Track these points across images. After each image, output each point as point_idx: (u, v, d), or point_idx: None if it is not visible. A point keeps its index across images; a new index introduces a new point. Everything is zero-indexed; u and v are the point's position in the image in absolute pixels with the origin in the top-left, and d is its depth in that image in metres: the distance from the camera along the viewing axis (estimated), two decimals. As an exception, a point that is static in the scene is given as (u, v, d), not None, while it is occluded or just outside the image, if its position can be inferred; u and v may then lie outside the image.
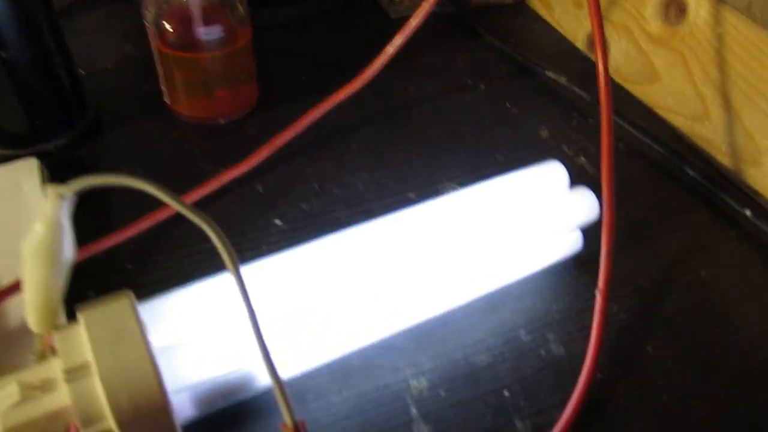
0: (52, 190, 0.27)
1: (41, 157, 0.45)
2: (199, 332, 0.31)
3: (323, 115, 0.49)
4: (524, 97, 0.55)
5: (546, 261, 0.41)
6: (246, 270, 0.33)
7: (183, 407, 0.31)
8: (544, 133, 0.52)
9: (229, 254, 0.26)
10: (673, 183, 0.48)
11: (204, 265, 0.40)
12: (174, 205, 0.26)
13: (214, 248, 0.41)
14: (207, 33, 0.46)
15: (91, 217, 0.41)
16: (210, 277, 0.33)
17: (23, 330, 0.31)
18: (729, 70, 0.46)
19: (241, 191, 0.46)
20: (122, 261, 0.41)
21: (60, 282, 0.29)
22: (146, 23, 0.47)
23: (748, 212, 0.45)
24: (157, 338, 0.31)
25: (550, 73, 0.55)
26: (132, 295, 0.31)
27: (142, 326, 0.29)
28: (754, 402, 0.36)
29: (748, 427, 0.35)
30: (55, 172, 0.45)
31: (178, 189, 0.44)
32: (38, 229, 0.28)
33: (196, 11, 0.46)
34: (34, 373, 0.28)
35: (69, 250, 0.28)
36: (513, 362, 0.37)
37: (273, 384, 0.25)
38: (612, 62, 0.57)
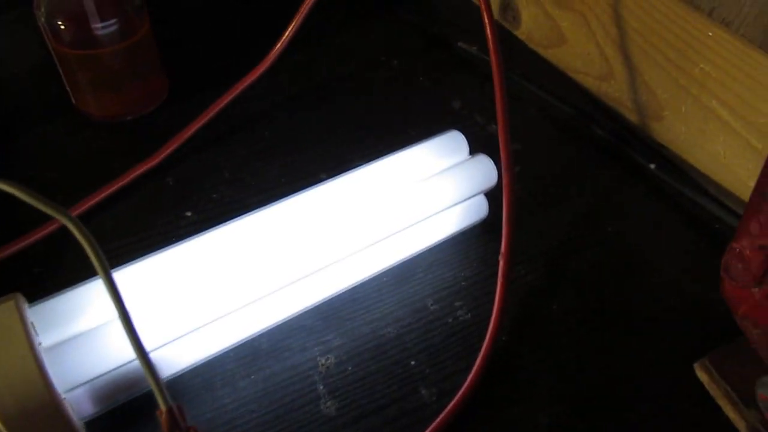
0: None
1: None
2: (95, 328, 0.31)
3: (233, 103, 0.48)
4: (437, 70, 0.55)
5: (452, 229, 0.41)
6: (151, 260, 0.34)
7: (82, 404, 0.31)
8: (457, 104, 0.52)
9: (92, 246, 0.26)
10: (584, 143, 0.49)
11: (115, 262, 0.40)
12: (35, 203, 0.26)
13: (126, 245, 0.41)
14: (103, 27, 0.45)
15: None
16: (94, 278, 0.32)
17: None
18: (627, 27, 0.47)
19: (152, 185, 0.45)
20: (30, 265, 0.40)
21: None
22: (40, 24, 0.46)
23: (652, 166, 0.46)
24: (50, 337, 0.31)
25: (461, 44, 0.56)
26: (20, 297, 0.30)
27: (27, 327, 0.29)
28: (657, 351, 0.37)
29: (653, 378, 0.35)
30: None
31: (89, 189, 0.44)
32: None
33: (89, 6, 0.45)
34: None
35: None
36: (420, 332, 0.37)
37: (144, 369, 0.25)
38: (524, 28, 0.57)
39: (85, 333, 0.31)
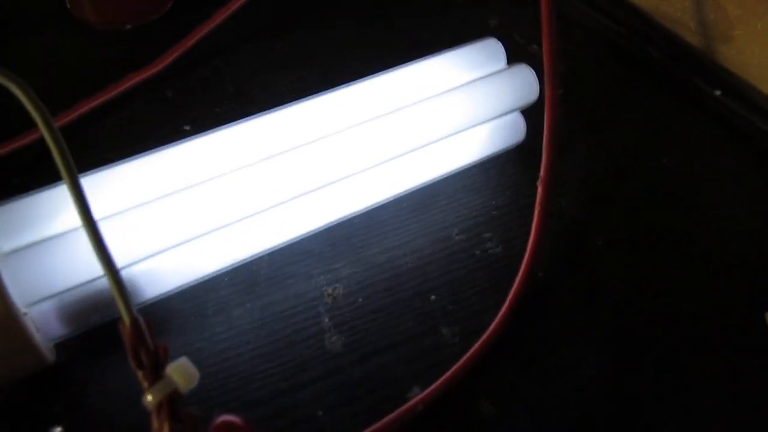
0: None
1: None
2: (63, 233, 0.27)
3: (241, 11, 0.43)
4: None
5: (484, 152, 0.36)
6: (136, 162, 0.29)
7: (48, 322, 0.27)
8: (493, 22, 0.46)
9: (44, 120, 0.21)
10: (636, 67, 0.43)
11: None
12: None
13: (118, 158, 0.37)
14: None
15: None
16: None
17: None
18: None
19: (149, 97, 0.41)
20: (9, 176, 0.36)
21: None
22: None
23: (718, 92, 0.40)
24: (9, 242, 0.26)
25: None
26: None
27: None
28: (721, 296, 0.31)
29: (715, 327, 0.30)
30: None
31: (82, 96, 0.39)
32: None
33: None
34: None
35: None
36: (443, 264, 0.32)
37: (105, 271, 0.21)
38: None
39: (52, 238, 0.26)
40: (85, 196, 0.22)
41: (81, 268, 0.26)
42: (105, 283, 0.27)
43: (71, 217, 0.27)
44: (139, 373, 0.20)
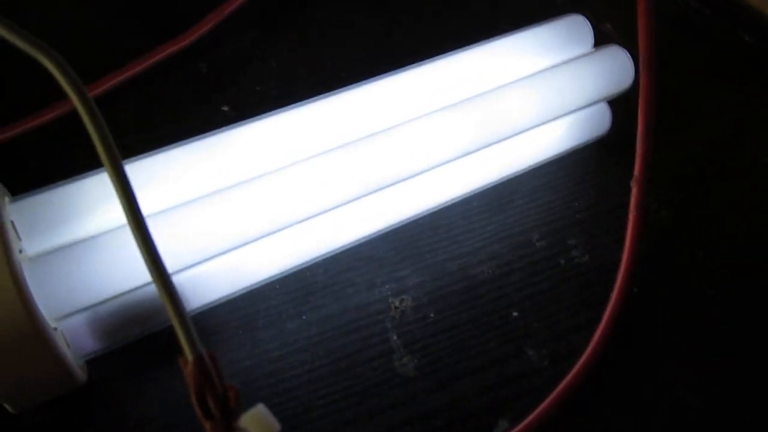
0: None
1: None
2: (94, 236, 0.23)
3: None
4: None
5: (564, 145, 0.32)
6: (174, 153, 0.25)
7: (80, 337, 0.23)
8: (562, -2, 0.42)
9: (93, 117, 0.17)
10: (722, 52, 0.39)
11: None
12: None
13: (147, 141, 0.32)
14: None
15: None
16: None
17: None
18: None
19: (181, 71, 0.36)
20: (25, 157, 0.32)
21: None
22: None
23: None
24: (37, 245, 0.22)
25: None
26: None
27: (4, 227, 0.21)
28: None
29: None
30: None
31: (104, 69, 0.35)
32: None
33: None
34: None
35: None
36: (523, 275, 0.28)
37: (164, 301, 0.17)
38: None
39: (85, 241, 0.22)
40: (134, 194, 0.18)
41: (119, 276, 0.22)
42: (144, 291, 0.23)
43: (105, 214, 0.23)
44: (207, 424, 0.16)
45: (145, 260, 0.17)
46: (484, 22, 0.40)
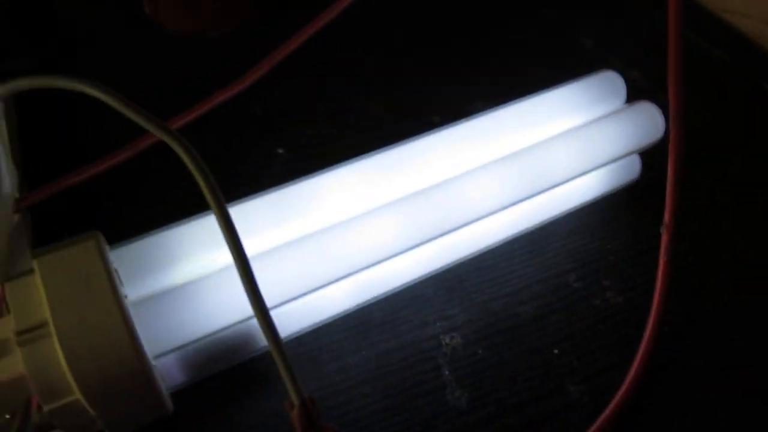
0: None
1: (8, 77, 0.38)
2: (186, 282, 0.25)
3: (330, 25, 0.41)
4: (562, 2, 0.47)
5: (598, 191, 0.34)
6: (245, 206, 0.27)
7: (171, 372, 0.26)
8: (588, 42, 0.44)
9: (207, 182, 0.20)
10: (742, 96, 0.41)
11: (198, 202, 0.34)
12: (133, 116, 0.20)
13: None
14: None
15: (61, 146, 0.35)
16: (199, 215, 0.27)
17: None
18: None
19: (236, 114, 0.39)
20: (100, 198, 0.35)
21: (3, 220, 0.23)
22: None
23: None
24: (134, 290, 0.25)
25: (594, -27, 0.47)
26: (100, 237, 0.25)
27: (112, 275, 0.23)
28: None
29: None
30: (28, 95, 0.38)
31: (163, 112, 0.37)
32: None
33: None
34: (-18, 334, 0.23)
35: (5, 178, 0.22)
36: (562, 314, 0.31)
37: (273, 351, 0.19)
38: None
39: (182, 286, 0.25)
40: (243, 248, 0.21)
41: (210, 319, 0.25)
42: (229, 330, 0.26)
43: (194, 262, 0.26)
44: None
45: (255, 312, 0.20)
46: (514, 66, 0.42)
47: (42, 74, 0.20)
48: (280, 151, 0.37)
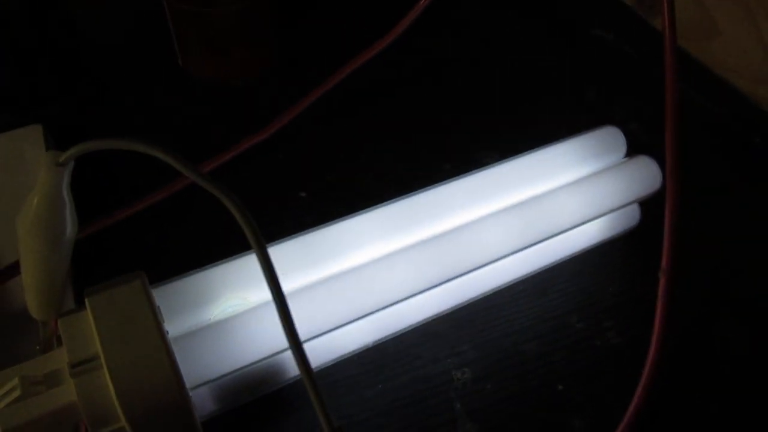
0: (49, 156, 0.24)
1: (45, 123, 0.41)
2: (222, 319, 0.28)
3: (349, 76, 0.44)
4: (567, 55, 0.50)
5: (599, 237, 0.37)
6: (273, 249, 0.30)
7: (203, 402, 0.28)
8: (591, 95, 0.47)
9: (253, 231, 0.22)
10: (735, 150, 0.44)
11: (227, 242, 0.37)
12: (188, 173, 0.22)
13: (237, 223, 0.38)
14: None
15: (101, 188, 0.38)
16: (233, 257, 0.29)
17: (27, 316, 0.27)
18: (805, 24, 0.41)
19: (261, 160, 0.42)
20: (136, 238, 0.37)
21: (61, 262, 0.26)
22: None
23: (821, 184, 0.40)
24: (174, 326, 0.27)
25: (596, 30, 0.50)
26: (145, 277, 0.27)
27: (156, 312, 0.26)
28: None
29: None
30: (60, 140, 0.41)
31: (191, 156, 0.40)
32: (33, 202, 0.24)
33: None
34: (37, 366, 0.25)
35: (69, 225, 0.25)
36: (566, 352, 0.33)
37: (307, 385, 0.22)
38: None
39: (217, 324, 0.27)
40: (281, 289, 0.23)
41: (243, 354, 0.27)
42: (262, 364, 0.28)
43: (227, 300, 0.28)
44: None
45: (291, 346, 0.22)
46: (523, 115, 0.45)
47: (105, 137, 0.22)
48: (303, 194, 0.40)
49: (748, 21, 0.45)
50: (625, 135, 0.40)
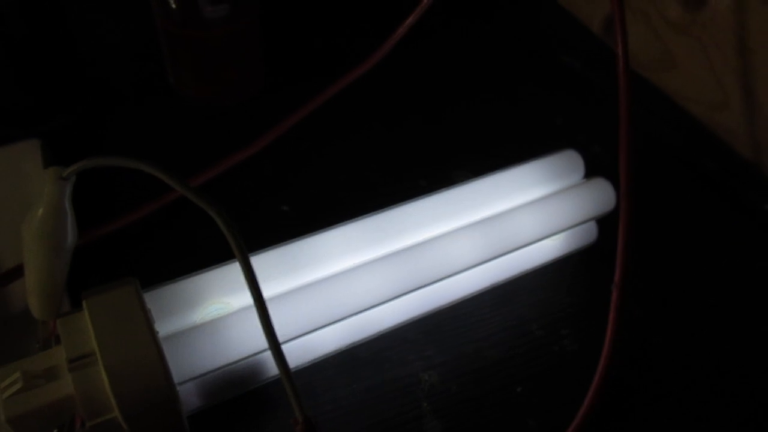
0: (53, 171, 0.26)
1: (43, 137, 0.43)
2: (207, 321, 0.30)
3: (333, 100, 0.47)
4: (538, 84, 0.53)
5: (558, 252, 0.40)
6: (256, 258, 0.33)
7: (189, 397, 0.31)
8: (558, 120, 0.50)
9: (236, 240, 0.25)
10: (691, 174, 0.47)
11: (213, 250, 0.39)
12: (179, 188, 0.25)
13: (222, 233, 0.41)
14: (214, 10, 0.45)
15: (94, 200, 0.40)
16: (218, 265, 0.32)
17: (27, 316, 0.30)
18: (752, 57, 0.45)
19: (248, 175, 0.44)
20: (127, 246, 0.40)
21: (62, 267, 0.28)
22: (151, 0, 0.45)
23: (767, 207, 0.44)
24: (163, 327, 0.30)
25: (565, 58, 0.54)
26: (137, 282, 0.30)
27: (147, 314, 0.28)
28: (772, 402, 0.35)
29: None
30: (57, 154, 0.43)
31: (181, 171, 0.43)
32: (38, 212, 0.27)
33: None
34: (37, 361, 0.27)
35: (71, 234, 0.27)
36: (525, 358, 0.36)
37: (282, 377, 0.24)
38: (629, 48, 0.55)
39: (203, 325, 0.30)
40: (262, 295, 0.26)
41: (228, 352, 0.29)
42: (242, 363, 0.31)
43: (212, 303, 0.31)
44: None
45: (269, 344, 0.25)
46: (495, 139, 0.48)
47: (103, 155, 0.25)
48: (285, 208, 0.43)
49: (701, 54, 0.48)
50: (589, 158, 0.43)
